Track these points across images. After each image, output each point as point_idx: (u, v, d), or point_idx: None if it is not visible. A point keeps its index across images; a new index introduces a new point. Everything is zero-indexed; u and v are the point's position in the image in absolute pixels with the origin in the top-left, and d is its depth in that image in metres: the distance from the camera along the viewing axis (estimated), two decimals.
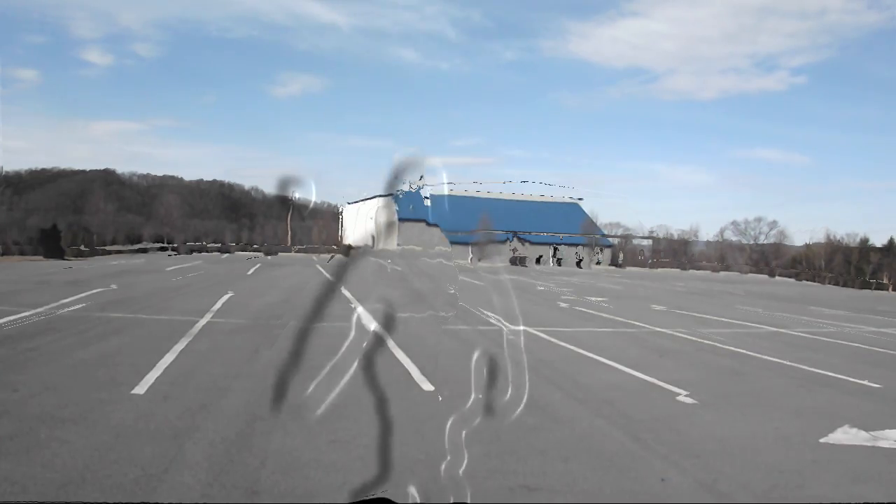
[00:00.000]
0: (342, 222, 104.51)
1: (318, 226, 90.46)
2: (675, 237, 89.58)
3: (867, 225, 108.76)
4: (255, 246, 69.41)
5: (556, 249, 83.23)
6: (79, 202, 78.87)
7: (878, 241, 70.48)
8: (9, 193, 78.04)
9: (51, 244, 36.48)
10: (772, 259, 73.61)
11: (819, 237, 73.09)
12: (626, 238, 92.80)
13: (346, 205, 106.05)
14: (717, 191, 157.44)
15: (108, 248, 49.84)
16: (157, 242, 62.62)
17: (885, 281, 53.67)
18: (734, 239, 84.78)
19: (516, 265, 68.79)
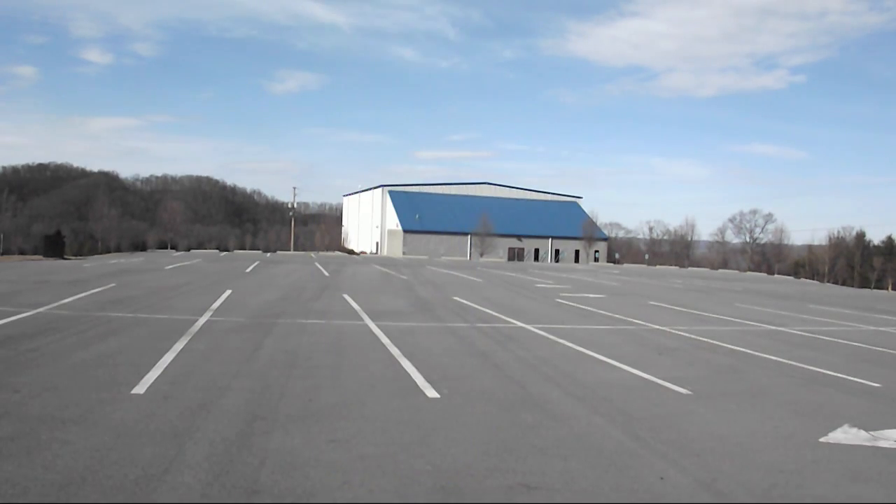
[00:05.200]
0: (343, 216, 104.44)
1: (321, 230, 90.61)
2: (674, 233, 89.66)
3: (862, 218, 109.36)
4: (259, 251, 70.72)
5: (556, 250, 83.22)
6: (83, 209, 79.23)
7: (874, 234, 70.78)
8: (13, 200, 78.21)
9: (55, 251, 36.38)
10: (774, 262, 73.72)
11: (820, 236, 73.57)
12: (625, 236, 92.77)
13: (344, 197, 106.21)
14: (714, 184, 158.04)
15: (112, 254, 49.92)
16: (161, 248, 63.33)
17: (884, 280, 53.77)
18: (735, 241, 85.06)
19: (514, 261, 68.69)
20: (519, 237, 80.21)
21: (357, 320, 12.47)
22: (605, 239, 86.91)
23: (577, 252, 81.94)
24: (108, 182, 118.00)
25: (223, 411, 5.69)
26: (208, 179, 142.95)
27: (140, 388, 6.36)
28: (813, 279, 61.05)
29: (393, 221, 79.00)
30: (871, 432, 6.00)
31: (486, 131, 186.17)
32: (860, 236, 71.06)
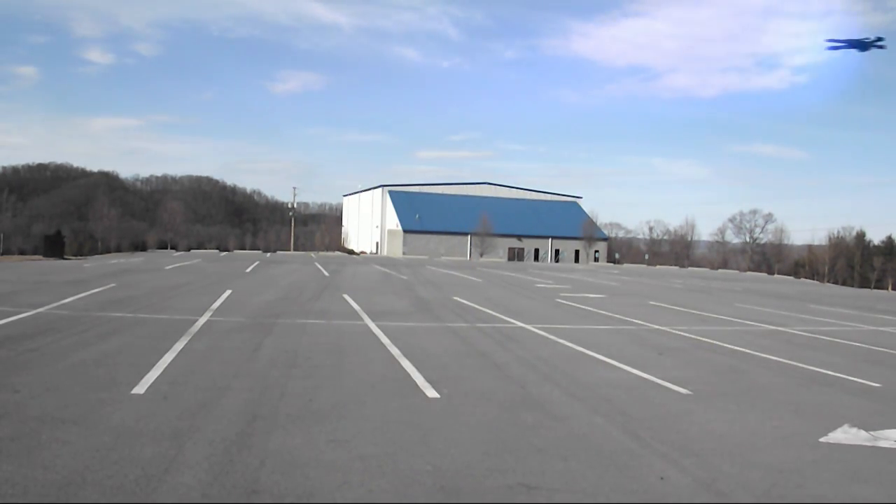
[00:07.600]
0: (343, 216, 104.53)
1: (321, 230, 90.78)
2: (674, 233, 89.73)
3: (862, 218, 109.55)
4: (259, 251, 71.41)
5: (556, 250, 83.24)
6: (83, 209, 79.44)
7: (874, 234, 70.76)
8: (13, 200, 78.37)
9: (55, 251, 36.34)
10: (774, 262, 73.77)
11: (820, 236, 73.77)
12: (625, 236, 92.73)
13: (344, 197, 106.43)
14: (714, 184, 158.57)
15: (112, 254, 49.99)
16: (161, 248, 63.67)
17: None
18: (735, 241, 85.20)
19: (514, 261, 68.73)
20: (519, 237, 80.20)
21: (357, 320, 12.47)
22: (605, 239, 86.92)
23: (577, 252, 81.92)
24: (108, 182, 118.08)
25: (223, 411, 5.69)
26: (208, 179, 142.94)
27: (140, 388, 6.36)
28: (813, 279, 61.04)
29: (393, 221, 79.03)
30: (871, 432, 5.99)
31: (487, 131, 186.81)
32: (860, 236, 71.10)
